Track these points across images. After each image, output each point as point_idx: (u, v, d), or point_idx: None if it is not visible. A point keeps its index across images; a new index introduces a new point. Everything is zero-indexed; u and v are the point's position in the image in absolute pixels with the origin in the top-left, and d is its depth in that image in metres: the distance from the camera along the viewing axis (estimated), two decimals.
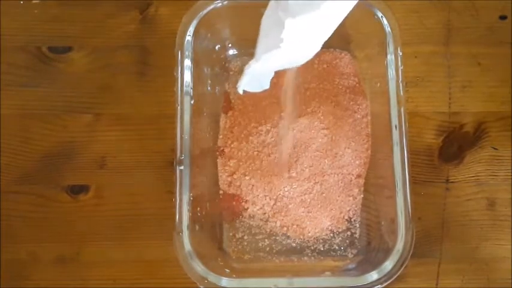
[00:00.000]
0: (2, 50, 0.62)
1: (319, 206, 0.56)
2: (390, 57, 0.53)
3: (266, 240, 0.57)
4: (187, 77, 0.53)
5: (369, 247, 0.57)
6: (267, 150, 0.56)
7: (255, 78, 0.43)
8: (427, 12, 0.63)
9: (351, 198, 0.57)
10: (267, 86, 0.45)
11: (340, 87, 0.59)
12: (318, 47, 0.40)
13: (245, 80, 0.43)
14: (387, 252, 0.51)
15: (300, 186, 0.56)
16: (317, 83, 0.59)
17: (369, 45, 0.56)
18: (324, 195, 0.56)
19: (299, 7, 0.37)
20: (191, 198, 0.51)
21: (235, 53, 0.61)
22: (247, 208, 0.57)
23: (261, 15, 0.56)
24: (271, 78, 0.44)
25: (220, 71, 0.61)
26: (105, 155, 0.60)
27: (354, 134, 0.58)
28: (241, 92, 0.45)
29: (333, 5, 0.37)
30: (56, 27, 0.63)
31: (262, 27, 0.40)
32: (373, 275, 0.50)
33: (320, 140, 0.56)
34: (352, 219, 0.57)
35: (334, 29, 0.40)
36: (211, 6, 0.54)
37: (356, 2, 0.38)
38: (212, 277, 0.50)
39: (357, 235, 0.57)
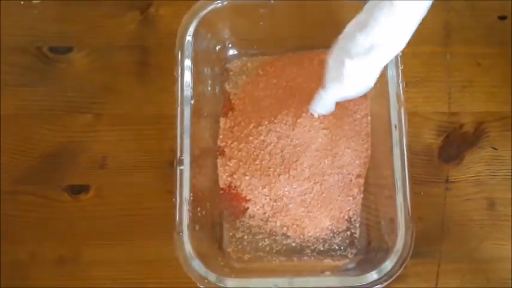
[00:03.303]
0: (2, 50, 0.62)
1: (319, 205, 0.57)
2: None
3: (266, 240, 0.57)
4: (187, 77, 0.53)
5: (368, 247, 0.57)
6: (267, 150, 0.56)
7: (323, 102, 0.53)
8: (427, 12, 0.63)
9: (351, 198, 0.57)
10: (333, 108, 0.54)
11: None
12: (372, 83, 0.49)
13: (315, 103, 0.53)
14: (387, 252, 0.51)
15: (300, 186, 0.56)
16: (317, 83, 0.59)
17: None
18: (323, 195, 0.57)
19: (357, 53, 0.47)
20: (191, 198, 0.51)
21: (235, 53, 0.61)
22: (247, 208, 0.57)
23: (261, 15, 0.57)
24: (335, 103, 0.53)
25: (220, 71, 0.61)
26: (105, 155, 0.60)
27: (354, 134, 0.58)
28: (316, 115, 0.55)
29: (384, 53, 0.47)
30: (56, 27, 0.63)
31: (328, 63, 0.49)
32: (373, 275, 0.50)
33: (320, 140, 0.56)
34: (352, 219, 0.57)
35: (383, 67, 0.49)
36: (211, 6, 0.54)
37: (401, 48, 0.47)
38: (212, 277, 0.50)
39: (356, 235, 0.57)
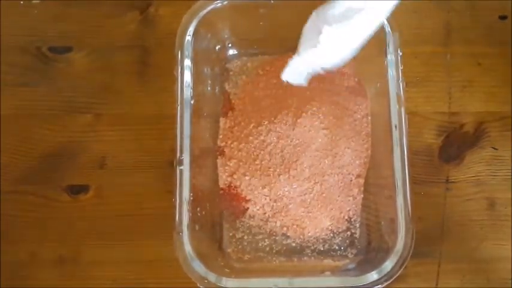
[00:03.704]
0: (2, 50, 0.62)
1: (319, 206, 0.56)
2: (390, 57, 0.53)
3: (266, 240, 0.57)
4: (187, 77, 0.53)
5: (368, 247, 0.57)
6: (267, 150, 0.56)
7: (296, 71, 0.50)
8: (427, 12, 0.63)
9: (351, 198, 0.57)
10: (304, 82, 0.51)
11: (340, 87, 0.59)
12: (350, 55, 0.48)
13: (287, 70, 0.50)
14: (387, 252, 0.51)
15: (300, 186, 0.56)
16: (317, 83, 0.59)
17: (369, 45, 0.56)
18: (324, 195, 0.57)
19: (335, 18, 0.45)
20: (191, 198, 0.51)
21: (235, 53, 0.61)
22: (247, 208, 0.57)
23: (261, 15, 0.57)
24: (309, 78, 0.51)
25: (220, 71, 0.61)
26: (105, 155, 0.60)
27: (354, 134, 0.58)
28: (284, 80, 0.51)
29: (363, 18, 0.45)
30: (56, 27, 0.63)
31: (304, 32, 0.48)
32: (373, 275, 0.50)
33: (320, 140, 0.56)
34: (352, 219, 0.57)
35: (364, 40, 0.47)
36: (211, 6, 0.54)
37: (383, 17, 0.46)
38: (212, 277, 0.50)
39: (356, 235, 0.57)
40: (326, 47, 0.47)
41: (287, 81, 0.51)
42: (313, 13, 0.47)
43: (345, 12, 0.45)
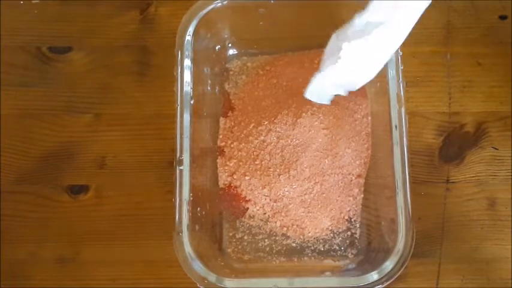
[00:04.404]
0: (2, 50, 0.62)
1: (319, 206, 0.56)
2: (390, 57, 0.53)
3: (266, 240, 0.57)
4: (187, 77, 0.53)
5: (369, 247, 0.57)
6: (267, 150, 0.56)
7: (319, 89, 0.52)
8: (427, 12, 0.62)
9: (351, 198, 0.57)
10: (326, 101, 0.55)
11: None
12: (371, 75, 0.50)
13: (311, 87, 0.52)
14: (387, 252, 0.51)
15: (300, 186, 0.56)
16: None
17: None
18: (324, 195, 0.56)
19: (354, 34, 0.47)
20: (191, 198, 0.51)
21: (235, 53, 0.61)
22: (247, 208, 0.57)
23: (261, 15, 0.57)
24: (331, 98, 0.54)
25: (220, 71, 0.61)
26: (105, 155, 0.60)
27: (354, 133, 0.58)
28: (308, 97, 0.54)
29: (381, 36, 0.47)
30: (56, 27, 0.63)
31: (325, 53, 0.50)
32: (374, 275, 0.50)
33: (320, 140, 0.56)
34: (352, 219, 0.57)
35: (385, 60, 0.50)
36: (211, 6, 0.55)
37: (402, 40, 0.48)
38: (212, 277, 0.50)
39: (357, 235, 0.57)
40: (347, 63, 0.48)
41: (310, 99, 0.54)
42: (333, 35, 0.49)
43: (364, 28, 0.46)
